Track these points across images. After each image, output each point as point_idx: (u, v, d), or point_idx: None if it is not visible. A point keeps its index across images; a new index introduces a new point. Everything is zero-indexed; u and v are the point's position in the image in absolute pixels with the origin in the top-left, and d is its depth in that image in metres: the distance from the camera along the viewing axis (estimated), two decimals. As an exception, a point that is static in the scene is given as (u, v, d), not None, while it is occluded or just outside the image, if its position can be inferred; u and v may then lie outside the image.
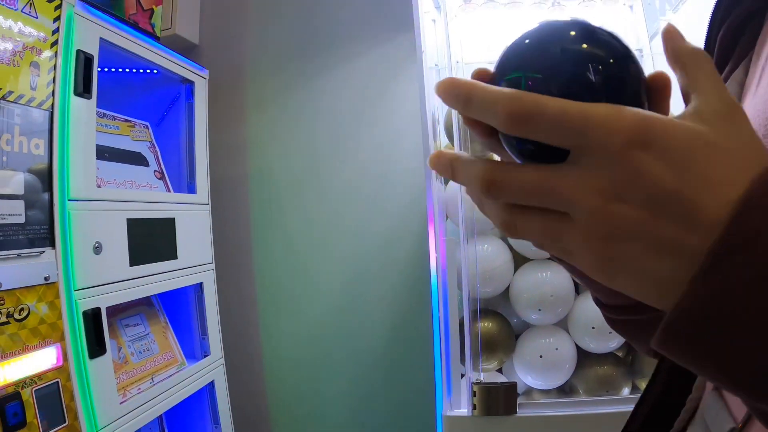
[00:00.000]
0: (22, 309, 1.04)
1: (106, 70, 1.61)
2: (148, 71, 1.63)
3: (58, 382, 1.09)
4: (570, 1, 1.49)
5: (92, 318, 1.18)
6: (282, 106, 1.99)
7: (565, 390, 1.33)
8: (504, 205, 0.28)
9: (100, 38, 1.29)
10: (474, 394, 1.15)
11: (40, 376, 1.05)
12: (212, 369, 1.64)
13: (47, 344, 1.08)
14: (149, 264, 1.40)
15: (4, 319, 1.00)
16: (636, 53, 0.29)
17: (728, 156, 0.25)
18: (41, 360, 1.07)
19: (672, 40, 0.30)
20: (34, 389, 1.04)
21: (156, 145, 1.63)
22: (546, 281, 1.25)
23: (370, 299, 1.89)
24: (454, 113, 1.27)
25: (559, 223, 0.27)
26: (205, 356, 1.64)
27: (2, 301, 1.00)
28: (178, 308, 1.68)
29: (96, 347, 1.18)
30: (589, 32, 0.28)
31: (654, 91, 0.29)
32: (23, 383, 1.02)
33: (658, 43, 1.57)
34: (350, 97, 1.92)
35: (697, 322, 0.24)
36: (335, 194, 1.93)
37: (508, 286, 1.33)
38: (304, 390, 1.95)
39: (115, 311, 1.44)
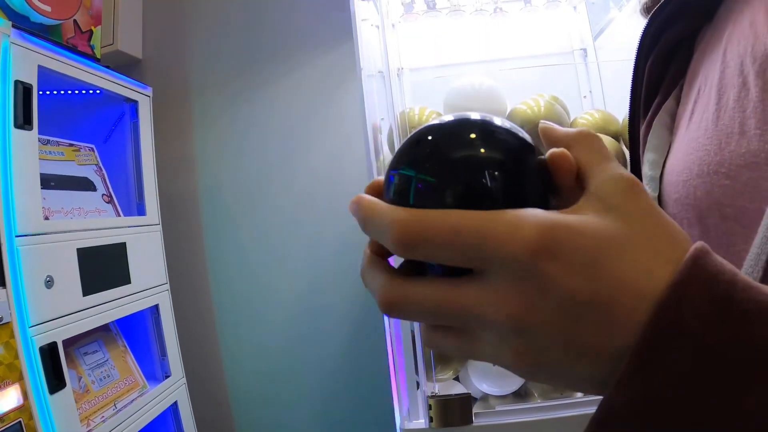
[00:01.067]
0: (-24, 352, 1.09)
1: (47, 93, 1.64)
2: (90, 92, 1.66)
3: (20, 421, 1.14)
4: (512, 6, 1.57)
5: (49, 353, 1.23)
6: (229, 118, 2.04)
7: (520, 394, 1.43)
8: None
9: (39, 66, 1.31)
10: (430, 407, 1.24)
11: (2, 418, 1.10)
12: (174, 389, 1.71)
13: (6, 385, 1.12)
14: (103, 292, 1.44)
15: (-41, 364, 1.05)
16: (532, 144, 0.29)
17: (636, 249, 0.25)
18: (2, 402, 1.11)
19: (549, 133, 0.31)
20: (-4, 431, 1.09)
21: (102, 167, 1.66)
22: (496, 291, 1.34)
23: (328, 309, 1.98)
24: (395, 121, 1.34)
25: (473, 339, 0.27)
26: (167, 377, 1.70)
27: (-44, 347, 1.05)
28: (135, 331, 1.72)
29: (55, 381, 1.23)
30: (487, 133, 0.28)
31: (556, 170, 0.29)
32: (-15, 427, 1.07)
33: (602, 43, 1.67)
34: (297, 107, 1.99)
35: (623, 424, 0.24)
36: (287, 205, 2.00)
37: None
38: (269, 402, 2.03)
39: (72, 340, 1.49)
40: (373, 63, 1.48)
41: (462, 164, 0.27)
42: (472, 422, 1.25)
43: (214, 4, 2.07)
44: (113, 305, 1.49)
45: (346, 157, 1.95)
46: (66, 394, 1.26)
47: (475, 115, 0.30)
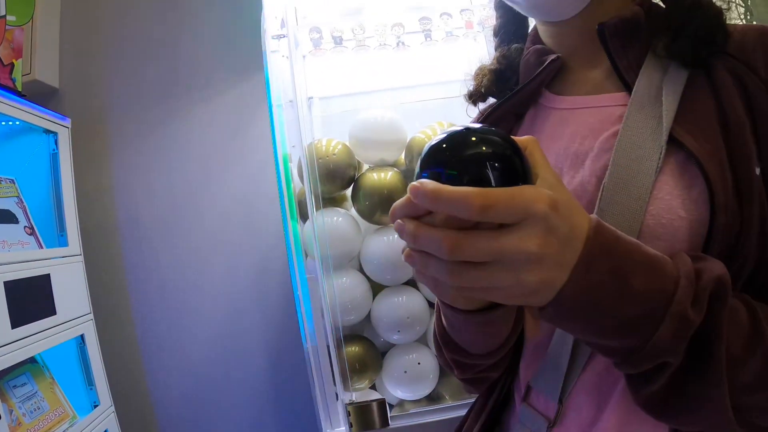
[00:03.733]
0: None
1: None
2: (10, 123, 1.78)
3: (-48, 456, 1.27)
4: (413, 40, 1.79)
5: (-20, 387, 1.36)
6: (147, 147, 2.21)
7: (433, 398, 1.65)
8: (468, 265, 0.44)
9: (-42, 102, 1.44)
10: (349, 413, 1.44)
11: (-66, 452, 1.23)
12: (104, 418, 1.83)
13: (-62, 419, 1.26)
14: (30, 324, 1.56)
15: None
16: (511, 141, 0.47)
17: (574, 209, 0.47)
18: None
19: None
20: (-70, 466, 1.21)
21: (23, 199, 1.78)
22: (402, 305, 1.55)
23: (250, 331, 2.17)
24: (303, 153, 1.53)
25: (502, 269, 0.44)
26: (95, 407, 1.83)
27: None
28: (62, 362, 1.84)
29: (-13, 414, 1.37)
30: (483, 137, 0.45)
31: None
32: None
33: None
34: (213, 136, 2.20)
35: (577, 298, 0.47)
36: (204, 233, 2.19)
37: (370, 312, 1.63)
38: (199, 426, 2.19)
39: (1, 374, 1.61)
40: (284, 92, 1.64)
41: (475, 159, 0.45)
42: (388, 424, 1.45)
43: (130, 33, 2.23)
44: (41, 336, 1.61)
45: (261, 184, 2.16)
46: (0, 427, 1.39)
47: (474, 126, 0.47)
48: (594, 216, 0.49)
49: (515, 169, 0.46)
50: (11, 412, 1.57)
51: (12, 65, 1.73)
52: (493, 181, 0.44)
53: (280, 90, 1.63)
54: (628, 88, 0.68)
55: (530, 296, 0.47)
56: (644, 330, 0.49)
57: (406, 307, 1.55)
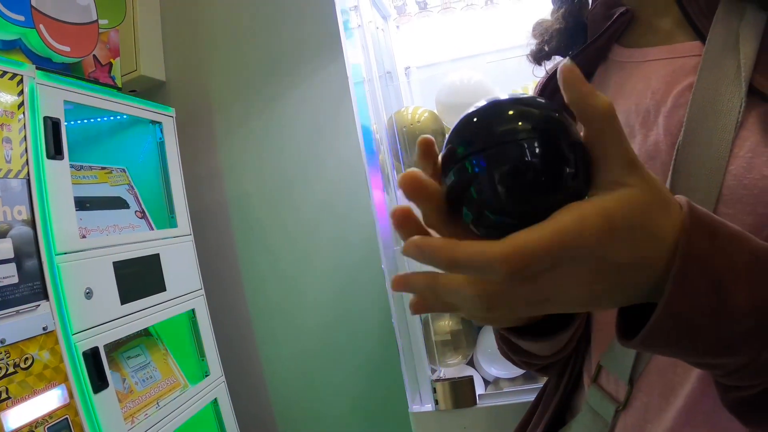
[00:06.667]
0: (26, 359, 1.25)
1: (78, 122, 1.82)
2: (117, 117, 1.84)
3: (67, 418, 1.30)
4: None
5: (92, 357, 1.39)
6: (250, 131, 2.21)
7: (530, 376, 1.50)
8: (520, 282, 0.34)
9: (64, 101, 1.48)
10: (434, 390, 1.34)
11: (50, 415, 1.26)
12: (214, 387, 1.87)
13: (53, 386, 1.29)
14: (139, 300, 1.61)
15: (11, 369, 1.21)
16: (561, 117, 0.34)
17: (652, 209, 0.36)
18: (50, 401, 1.27)
19: (574, 89, 0.35)
20: (46, 427, 1.24)
21: (134, 186, 1.84)
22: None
23: (358, 307, 2.09)
24: (382, 122, 1.42)
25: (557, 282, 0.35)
26: (206, 376, 1.86)
27: (8, 354, 1.21)
28: (176, 334, 1.89)
29: (99, 382, 1.39)
30: (522, 110, 0.34)
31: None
32: (36, 423, 1.22)
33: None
34: (312, 115, 2.12)
35: (669, 327, 0.37)
36: (311, 208, 2.13)
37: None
38: (306, 394, 2.18)
39: (116, 345, 1.67)
40: (380, 64, 1.55)
41: (510, 141, 0.33)
42: (476, 403, 1.33)
43: (226, 22, 2.22)
44: (150, 311, 1.65)
45: (360, 162, 2.05)
46: (109, 393, 1.43)
47: (521, 96, 0.36)
48: (684, 202, 0.38)
49: (561, 154, 0.34)
50: (124, 380, 1.61)
51: (110, 64, 1.77)
52: (528, 171, 0.33)
53: (371, 62, 1.52)
54: (701, 36, 0.58)
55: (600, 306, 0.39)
56: (751, 347, 0.39)
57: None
